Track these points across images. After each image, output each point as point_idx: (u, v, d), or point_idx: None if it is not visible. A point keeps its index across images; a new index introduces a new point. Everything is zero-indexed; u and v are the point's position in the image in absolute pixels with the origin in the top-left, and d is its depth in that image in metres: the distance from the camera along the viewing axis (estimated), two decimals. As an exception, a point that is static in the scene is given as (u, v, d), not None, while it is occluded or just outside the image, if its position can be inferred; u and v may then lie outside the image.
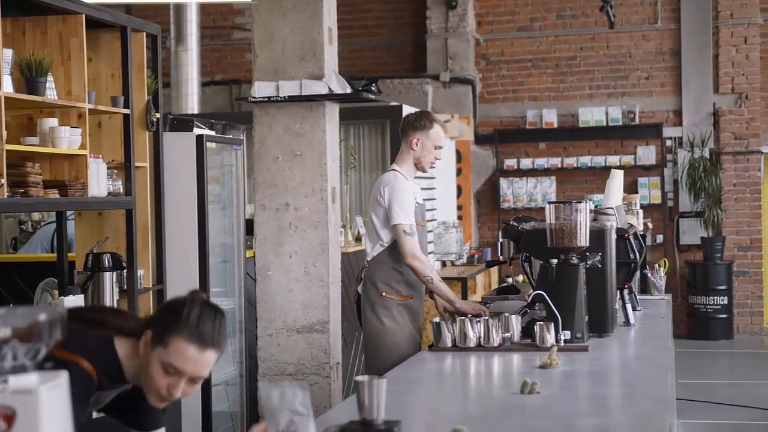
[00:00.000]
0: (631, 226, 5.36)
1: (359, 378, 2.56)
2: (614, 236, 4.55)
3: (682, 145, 11.90)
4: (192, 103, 10.70)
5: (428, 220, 8.59)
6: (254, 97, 5.28)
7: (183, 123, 6.42)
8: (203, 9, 11.71)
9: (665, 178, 11.92)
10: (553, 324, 4.10)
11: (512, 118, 12.33)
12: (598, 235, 4.40)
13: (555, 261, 4.25)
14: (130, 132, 5.39)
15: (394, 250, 4.80)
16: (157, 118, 5.70)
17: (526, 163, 12.12)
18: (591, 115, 12.02)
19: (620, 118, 11.98)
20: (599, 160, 11.92)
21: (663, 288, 6.30)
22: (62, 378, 1.76)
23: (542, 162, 12.09)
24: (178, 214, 5.91)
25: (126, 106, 5.35)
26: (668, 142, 12.00)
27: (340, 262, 5.53)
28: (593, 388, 3.64)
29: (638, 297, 5.49)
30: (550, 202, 4.33)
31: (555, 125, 12.13)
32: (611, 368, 4.04)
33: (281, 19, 5.29)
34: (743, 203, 11.86)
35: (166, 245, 5.77)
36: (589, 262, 4.32)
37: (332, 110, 5.42)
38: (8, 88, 4.51)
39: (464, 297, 8.15)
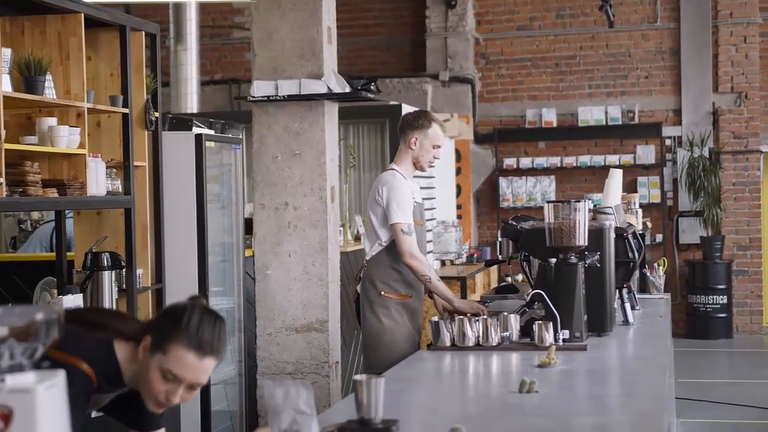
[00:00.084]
0: (630, 225, 5.36)
1: (357, 377, 2.56)
2: (613, 235, 4.55)
3: (682, 145, 11.90)
4: (191, 103, 10.70)
5: (428, 220, 8.60)
6: (253, 97, 5.28)
7: (182, 122, 6.41)
8: (202, 8, 11.71)
9: (665, 178, 11.92)
10: (551, 323, 4.10)
11: (512, 118, 12.33)
12: (596, 235, 4.40)
13: (554, 260, 4.25)
14: (129, 131, 5.39)
15: (393, 249, 4.80)
16: (156, 118, 5.70)
17: (525, 162, 12.12)
18: (590, 115, 12.02)
19: (620, 118, 11.97)
20: (599, 160, 11.92)
21: (662, 287, 6.30)
22: (59, 377, 1.75)
23: (541, 161, 12.09)
24: (177, 214, 5.91)
25: (125, 105, 5.35)
26: (668, 142, 12.00)
27: (339, 262, 5.53)
28: (591, 387, 3.64)
29: (637, 296, 5.49)
30: (548, 202, 4.33)
31: (554, 124, 12.13)
32: (610, 367, 4.04)
33: (280, 18, 5.29)
34: (742, 202, 11.86)
35: (165, 244, 5.77)
36: (587, 262, 4.32)
37: (331, 109, 5.42)
38: (7, 87, 4.51)
39: (463, 296, 8.15)
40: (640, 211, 6.80)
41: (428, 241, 9.05)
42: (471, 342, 4.12)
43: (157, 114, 5.71)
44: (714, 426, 7.57)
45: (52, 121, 4.85)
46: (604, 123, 12.00)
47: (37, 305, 4.91)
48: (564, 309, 4.16)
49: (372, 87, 5.40)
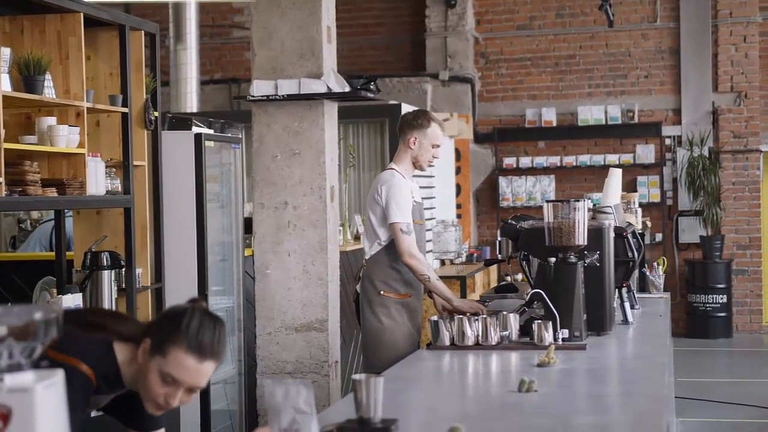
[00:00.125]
0: (630, 224, 5.36)
1: (356, 376, 2.56)
2: (612, 235, 4.55)
3: (682, 144, 11.90)
4: (191, 102, 10.70)
5: (427, 219, 8.60)
6: (253, 96, 5.28)
7: (181, 121, 6.42)
8: (202, 7, 11.72)
9: (664, 177, 11.92)
10: (551, 322, 4.10)
11: (511, 117, 12.33)
12: (596, 234, 4.40)
13: (553, 259, 4.25)
14: (129, 131, 5.40)
15: (392, 248, 4.80)
16: (156, 117, 5.70)
17: (525, 161, 12.12)
18: (590, 114, 12.02)
19: (619, 117, 11.98)
20: (598, 159, 11.92)
21: (662, 286, 6.30)
22: (58, 376, 1.76)
23: (541, 161, 12.09)
24: (177, 213, 5.91)
25: (124, 104, 5.35)
26: (667, 141, 12.00)
27: (338, 261, 5.53)
28: (591, 386, 3.64)
29: (637, 295, 5.49)
30: (548, 201, 4.33)
31: (554, 124, 12.13)
32: (609, 367, 4.04)
33: (280, 18, 5.29)
34: (742, 202, 11.86)
35: (164, 244, 5.77)
36: (587, 261, 4.32)
37: (331, 109, 5.42)
38: (6, 86, 4.51)
39: (463, 295, 8.15)
40: (639, 210, 6.81)
41: (428, 241, 9.05)
42: (470, 341, 4.12)
43: (156, 113, 5.71)
44: (714, 425, 7.57)
45: (51, 120, 4.85)
46: (603, 122, 12.00)
47: (36, 305, 4.91)
48: (563, 308, 4.16)
49: (371, 86, 5.40)
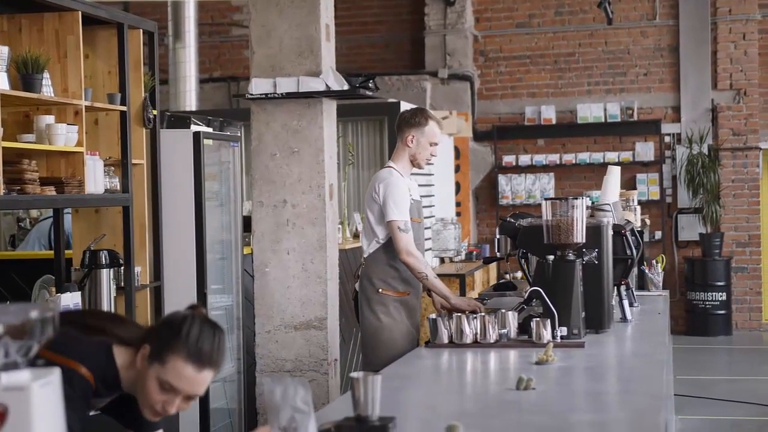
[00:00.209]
0: (628, 222, 5.36)
1: (354, 374, 2.56)
2: (611, 232, 4.55)
3: (681, 142, 11.90)
4: (190, 100, 10.70)
5: (426, 217, 8.59)
6: (251, 94, 5.28)
7: (180, 120, 6.41)
8: (201, 6, 11.71)
9: (664, 175, 11.92)
10: (549, 320, 4.10)
11: (511, 115, 12.33)
12: (594, 232, 4.40)
13: (551, 257, 4.25)
14: (127, 129, 5.39)
15: (390, 247, 4.80)
16: (154, 115, 5.70)
17: (524, 159, 12.12)
18: (589, 112, 12.01)
19: (619, 115, 11.97)
20: (598, 157, 11.92)
21: (660, 284, 6.30)
22: (55, 375, 1.76)
23: (541, 158, 12.09)
24: (176, 211, 5.91)
25: (123, 103, 5.35)
26: (667, 139, 12.00)
27: (337, 259, 5.53)
28: (589, 384, 3.64)
29: (636, 293, 5.49)
30: (546, 199, 4.33)
31: (553, 121, 12.13)
32: (607, 364, 4.04)
33: (278, 16, 5.28)
34: (742, 199, 11.86)
35: (163, 242, 5.77)
36: (585, 259, 4.32)
37: (330, 107, 5.42)
38: (4, 85, 4.51)
39: (462, 294, 8.15)
40: (638, 208, 6.80)
41: (427, 239, 9.05)
42: (469, 339, 4.12)
43: (155, 112, 5.71)
44: (713, 423, 7.58)
45: (49, 119, 4.85)
46: (603, 120, 12.00)
47: (32, 303, 4.91)
48: (562, 306, 4.16)
49: (370, 84, 5.40)
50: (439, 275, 4.98)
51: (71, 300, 4.95)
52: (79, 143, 4.94)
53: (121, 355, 2.63)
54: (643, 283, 6.35)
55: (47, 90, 4.79)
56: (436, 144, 4.95)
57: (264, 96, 5.26)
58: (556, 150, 12.15)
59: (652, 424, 2.86)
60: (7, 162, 4.51)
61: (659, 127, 11.93)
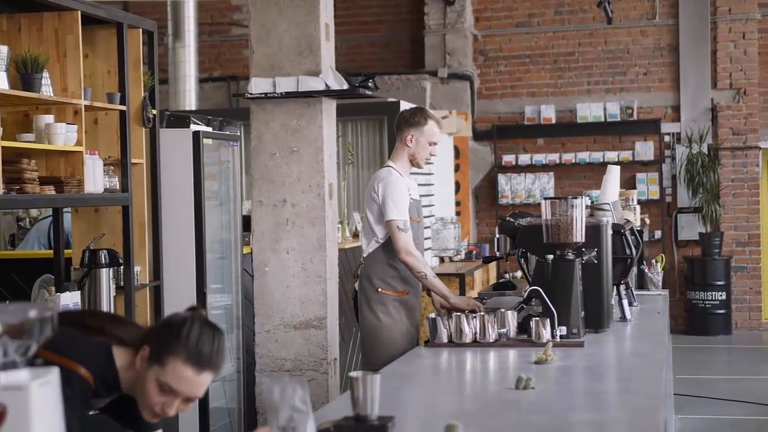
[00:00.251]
0: (628, 221, 5.36)
1: (353, 374, 2.56)
2: (610, 232, 4.55)
3: (681, 141, 11.89)
4: (190, 100, 10.70)
5: (426, 216, 8.59)
6: (251, 94, 5.28)
7: (179, 119, 6.41)
8: (201, 5, 11.71)
9: (663, 174, 11.92)
10: (548, 320, 4.10)
11: (510, 114, 12.33)
12: (593, 231, 4.40)
13: (551, 257, 4.25)
14: (127, 128, 5.39)
15: (389, 246, 4.80)
16: (154, 115, 5.69)
17: (524, 158, 12.12)
18: (589, 111, 12.01)
19: (618, 114, 11.97)
20: (597, 156, 11.92)
21: (660, 283, 6.30)
22: (53, 374, 1.76)
23: (540, 158, 12.09)
24: (175, 211, 5.91)
25: (122, 102, 5.35)
26: (666, 138, 12.00)
27: (337, 258, 5.53)
28: (588, 383, 3.64)
29: (635, 293, 5.49)
30: (545, 198, 4.33)
31: (553, 121, 12.13)
32: (607, 364, 4.04)
33: (278, 15, 5.28)
34: (741, 199, 11.86)
35: (162, 242, 5.77)
36: (584, 258, 4.32)
37: (329, 106, 5.42)
38: (4, 84, 4.50)
39: (462, 293, 8.15)
40: (638, 207, 6.80)
41: (426, 238, 9.05)
42: (468, 339, 4.12)
43: (154, 111, 5.70)
44: (713, 422, 7.58)
45: (49, 118, 4.85)
46: (602, 119, 12.00)
47: (31, 303, 4.91)
48: (561, 305, 4.16)
49: (370, 84, 5.40)
50: (439, 274, 4.98)
51: (71, 299, 4.95)
52: (78, 143, 4.93)
53: (120, 355, 2.62)
54: (642, 283, 6.35)
55: (47, 89, 4.79)
56: (435, 143, 4.95)
57: (263, 95, 5.26)
58: (556, 149, 12.15)
59: (651, 424, 2.86)
60: (6, 161, 4.51)
61: (659, 126, 11.93)
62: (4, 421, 1.67)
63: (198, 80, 11.01)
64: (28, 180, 4.65)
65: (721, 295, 11.51)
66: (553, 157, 12.05)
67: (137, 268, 5.50)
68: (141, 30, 5.68)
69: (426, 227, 9.01)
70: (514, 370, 3.62)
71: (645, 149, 11.89)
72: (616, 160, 11.67)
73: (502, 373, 3.78)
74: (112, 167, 5.36)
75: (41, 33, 4.98)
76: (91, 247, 5.26)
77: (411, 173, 5.01)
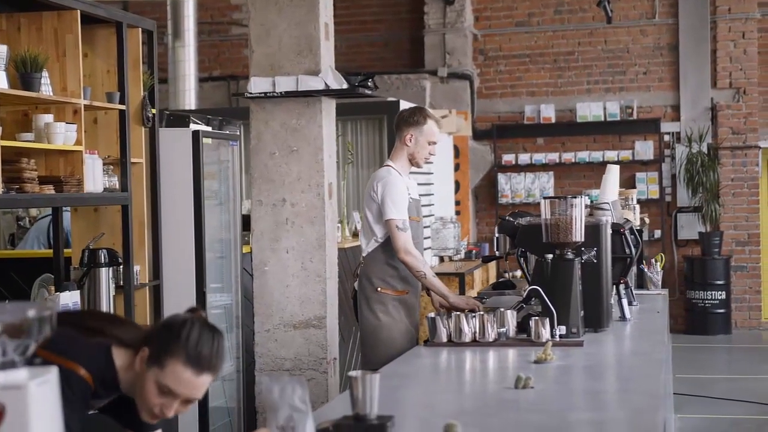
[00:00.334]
0: (627, 221, 5.36)
1: (352, 373, 2.56)
2: (609, 231, 4.55)
3: (680, 140, 11.89)
4: (189, 99, 10.70)
5: (426, 216, 8.59)
6: (251, 93, 5.28)
7: (179, 119, 6.41)
8: (201, 5, 11.71)
9: (663, 173, 11.92)
10: (548, 319, 4.10)
11: (510, 114, 12.33)
12: (593, 230, 4.40)
13: (550, 256, 4.25)
14: (126, 128, 5.39)
15: (389, 245, 4.80)
16: (153, 114, 5.69)
17: (524, 158, 12.12)
18: (589, 110, 12.01)
19: (618, 113, 11.97)
20: (597, 156, 11.92)
21: (660, 283, 6.30)
22: (52, 373, 1.76)
23: (540, 157, 12.09)
24: (175, 210, 5.91)
25: (122, 102, 5.35)
26: (666, 137, 12.00)
27: (337, 258, 5.53)
28: (587, 383, 3.64)
29: (635, 292, 5.49)
30: (545, 198, 4.33)
31: (553, 120, 12.13)
32: (606, 363, 4.04)
33: (277, 15, 5.29)
34: (741, 198, 11.86)
35: (162, 241, 5.77)
36: (584, 257, 4.32)
37: (329, 106, 5.42)
38: (3, 84, 4.50)
39: (462, 292, 8.15)
40: (637, 206, 6.80)
41: (426, 238, 9.05)
42: (467, 338, 4.12)
43: (153, 111, 5.70)
44: (712, 421, 7.58)
45: (48, 117, 4.85)
46: (602, 119, 11.99)
47: (29, 302, 4.91)
48: (560, 305, 4.16)
49: (369, 83, 5.40)
50: (439, 274, 4.98)
51: (70, 299, 4.95)
52: (78, 142, 4.93)
53: (120, 356, 2.62)
54: (642, 282, 6.35)
55: (46, 89, 4.79)
56: (434, 143, 4.95)
57: (263, 95, 5.26)
58: (556, 149, 12.15)
59: (650, 423, 2.86)
60: (6, 161, 4.51)
61: (659, 125, 11.93)
62: (3, 420, 1.67)
63: (197, 79, 11.01)
64: (28, 179, 4.65)
65: (720, 295, 11.51)
66: (553, 157, 12.05)
67: (137, 268, 5.50)
68: (140, 29, 5.67)
69: (426, 226, 9.01)
70: (514, 370, 3.62)
71: (645, 149, 11.89)
72: (616, 159, 11.66)
73: (501, 372, 3.78)
74: (111, 167, 5.36)
75: (41, 32, 4.98)
76: (91, 247, 5.26)
77: (411, 172, 5.01)
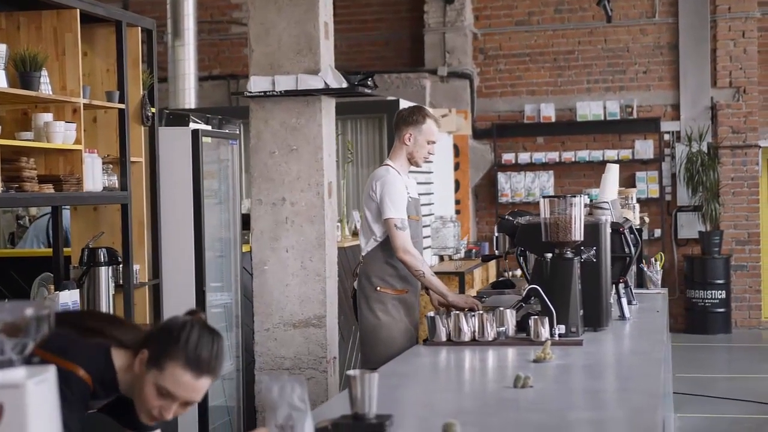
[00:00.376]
0: (627, 220, 5.36)
1: (351, 372, 2.56)
2: (609, 230, 4.55)
3: (680, 139, 11.89)
4: (189, 98, 10.69)
5: (425, 215, 8.59)
6: (250, 92, 5.28)
7: (179, 118, 6.41)
8: (200, 3, 11.70)
9: (663, 173, 11.92)
10: (547, 318, 4.10)
11: (510, 113, 12.33)
12: (592, 230, 4.40)
13: (550, 255, 4.25)
14: (126, 127, 5.39)
15: (388, 245, 4.80)
16: (153, 113, 5.69)
17: (524, 157, 12.11)
18: (589, 110, 12.01)
19: (618, 113, 11.97)
20: (597, 155, 11.92)
21: (659, 282, 6.30)
22: (50, 372, 1.75)
23: (540, 156, 12.08)
24: (174, 209, 5.91)
25: (121, 101, 5.35)
26: (666, 137, 12.00)
27: (336, 257, 5.53)
28: (587, 382, 3.64)
29: (635, 291, 5.49)
30: (544, 197, 4.33)
31: (553, 119, 12.13)
32: (605, 362, 4.04)
33: (277, 14, 5.28)
34: (741, 197, 11.86)
35: (162, 240, 5.77)
36: (583, 257, 4.32)
37: (328, 105, 5.42)
38: (3, 83, 4.50)
39: (461, 291, 8.15)
40: (637, 206, 6.80)
41: (426, 237, 9.05)
42: (467, 337, 4.12)
43: (153, 109, 5.70)
44: (712, 421, 7.58)
45: (48, 116, 4.84)
46: (602, 118, 11.99)
47: (27, 301, 4.90)
48: (560, 304, 4.16)
49: (369, 82, 5.39)
50: (438, 273, 4.98)
51: (70, 298, 4.95)
52: (77, 141, 4.93)
53: (119, 357, 2.62)
54: (641, 281, 6.34)
55: (45, 88, 4.79)
56: (433, 142, 4.95)
57: (263, 94, 5.25)
58: (556, 148, 12.15)
59: (650, 422, 2.86)
60: (5, 160, 4.51)
61: (659, 125, 11.93)
62: (1, 419, 1.67)
63: (197, 78, 11.00)
64: (27, 178, 4.65)
65: (720, 294, 11.51)
66: (553, 156, 12.05)
67: (136, 267, 5.50)
68: (140, 28, 5.67)
69: (425, 226, 9.01)
70: (513, 369, 3.61)
71: (645, 148, 11.89)
72: (616, 158, 11.66)
73: (500, 371, 3.78)
74: (111, 165, 5.36)
75: (40, 31, 4.98)
76: (90, 246, 5.26)
77: (410, 172, 5.01)
